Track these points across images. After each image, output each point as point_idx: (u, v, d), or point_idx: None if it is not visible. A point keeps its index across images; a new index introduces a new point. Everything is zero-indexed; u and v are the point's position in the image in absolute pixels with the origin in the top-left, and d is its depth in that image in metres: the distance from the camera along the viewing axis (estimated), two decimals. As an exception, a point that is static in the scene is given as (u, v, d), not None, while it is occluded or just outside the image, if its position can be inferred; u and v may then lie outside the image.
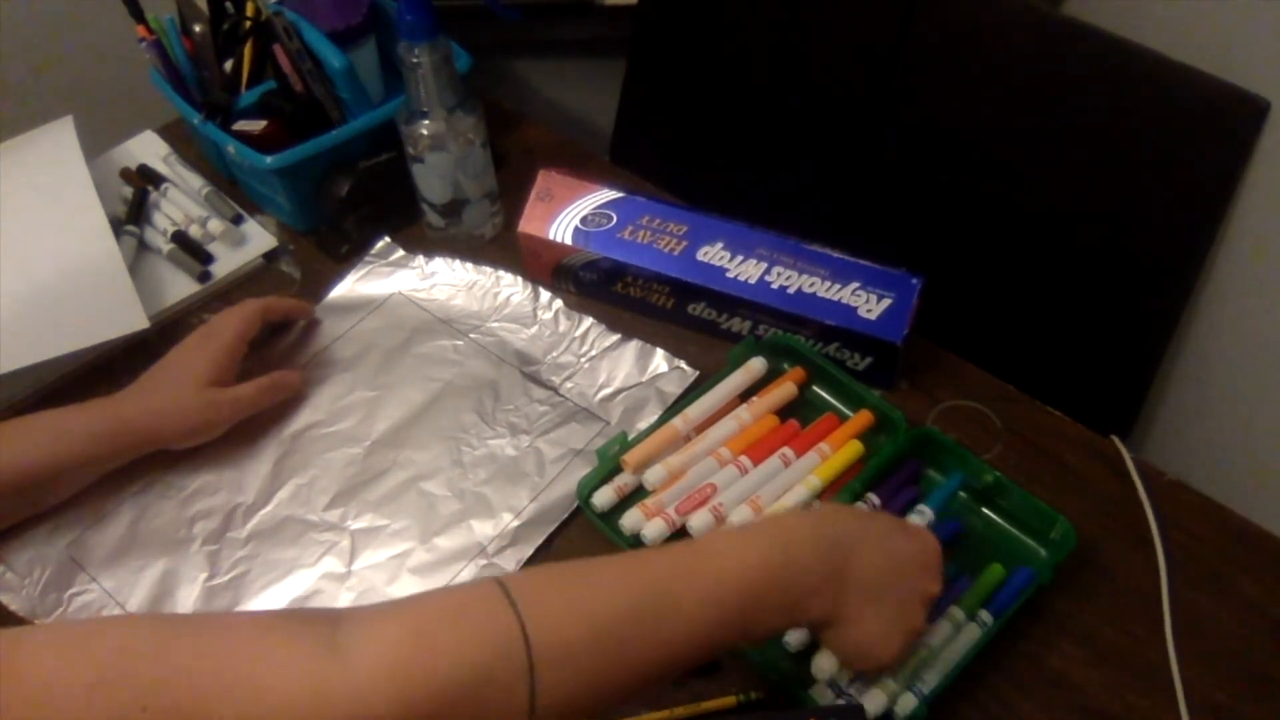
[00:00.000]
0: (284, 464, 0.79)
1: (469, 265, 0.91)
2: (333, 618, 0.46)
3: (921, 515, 0.72)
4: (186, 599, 0.72)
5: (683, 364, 0.84)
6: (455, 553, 0.74)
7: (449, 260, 0.92)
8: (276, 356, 0.85)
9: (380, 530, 0.75)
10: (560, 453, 0.79)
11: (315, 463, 0.79)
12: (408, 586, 0.72)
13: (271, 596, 0.72)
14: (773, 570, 0.54)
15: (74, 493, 0.75)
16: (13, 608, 0.72)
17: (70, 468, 0.73)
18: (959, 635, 0.66)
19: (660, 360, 0.84)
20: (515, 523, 0.75)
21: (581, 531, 0.75)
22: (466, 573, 0.73)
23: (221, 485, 0.78)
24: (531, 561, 0.73)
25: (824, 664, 0.61)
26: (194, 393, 0.75)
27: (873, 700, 0.63)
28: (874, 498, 0.73)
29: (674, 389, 0.82)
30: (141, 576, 0.73)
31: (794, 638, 0.66)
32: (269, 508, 0.77)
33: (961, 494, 0.75)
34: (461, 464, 0.78)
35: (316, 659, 0.44)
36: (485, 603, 0.48)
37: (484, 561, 0.73)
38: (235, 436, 0.79)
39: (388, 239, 0.93)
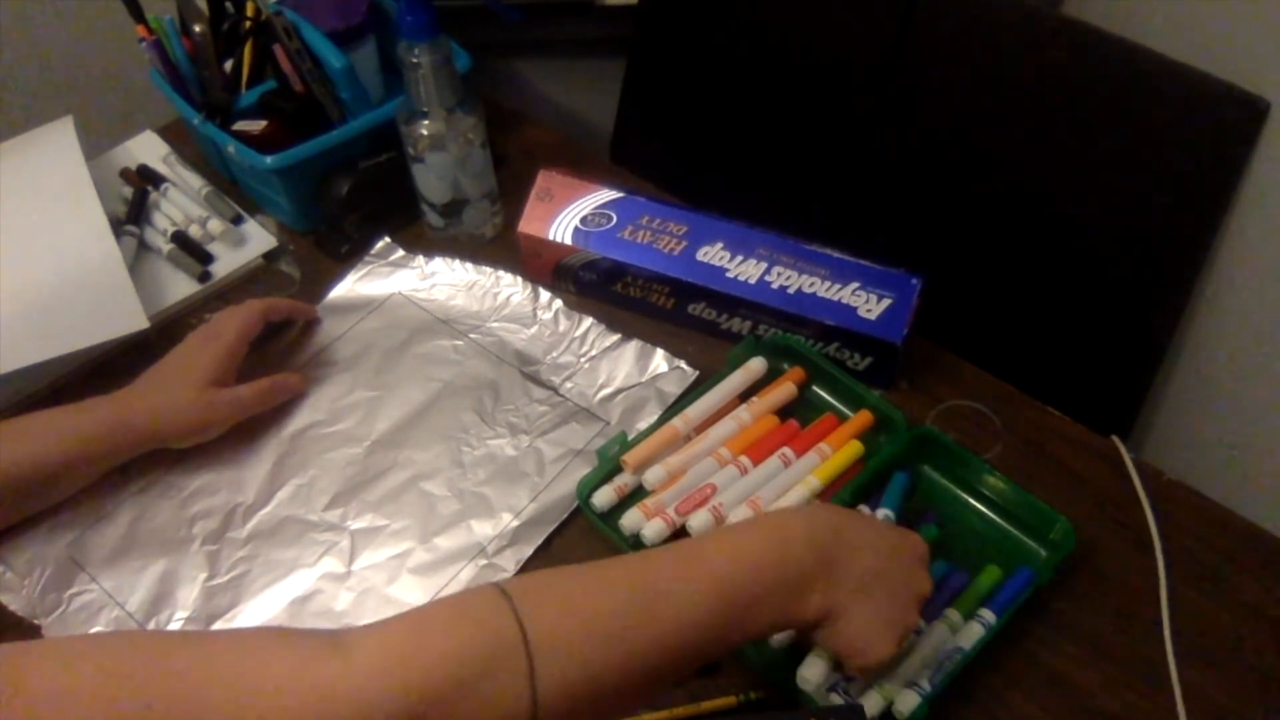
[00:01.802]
0: (284, 464, 0.79)
1: (469, 265, 0.91)
2: (332, 630, 0.48)
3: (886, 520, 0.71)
4: (186, 599, 0.72)
5: (683, 364, 0.84)
6: (455, 553, 0.74)
7: (449, 260, 0.92)
8: (276, 356, 0.85)
9: (380, 530, 0.75)
10: (560, 453, 0.79)
11: (315, 463, 0.79)
12: (407, 586, 0.72)
13: (271, 596, 0.72)
14: (767, 567, 0.54)
15: (74, 492, 0.75)
16: (13, 608, 0.72)
17: (70, 467, 0.73)
18: (959, 634, 0.66)
19: (660, 360, 0.84)
20: (515, 523, 0.75)
21: (581, 532, 0.75)
22: (466, 572, 0.73)
23: (221, 485, 0.78)
24: (531, 561, 0.73)
25: (809, 674, 0.61)
26: (194, 393, 0.75)
27: (870, 701, 0.63)
28: (865, 508, 0.73)
29: (674, 389, 0.82)
30: (141, 576, 0.73)
31: (782, 637, 0.64)
32: (269, 508, 0.77)
33: (961, 494, 0.75)
34: (461, 464, 0.78)
35: (320, 660, 0.45)
36: (483, 603, 0.49)
37: (484, 561, 0.73)
38: (235, 436, 0.79)
39: (388, 239, 0.93)
